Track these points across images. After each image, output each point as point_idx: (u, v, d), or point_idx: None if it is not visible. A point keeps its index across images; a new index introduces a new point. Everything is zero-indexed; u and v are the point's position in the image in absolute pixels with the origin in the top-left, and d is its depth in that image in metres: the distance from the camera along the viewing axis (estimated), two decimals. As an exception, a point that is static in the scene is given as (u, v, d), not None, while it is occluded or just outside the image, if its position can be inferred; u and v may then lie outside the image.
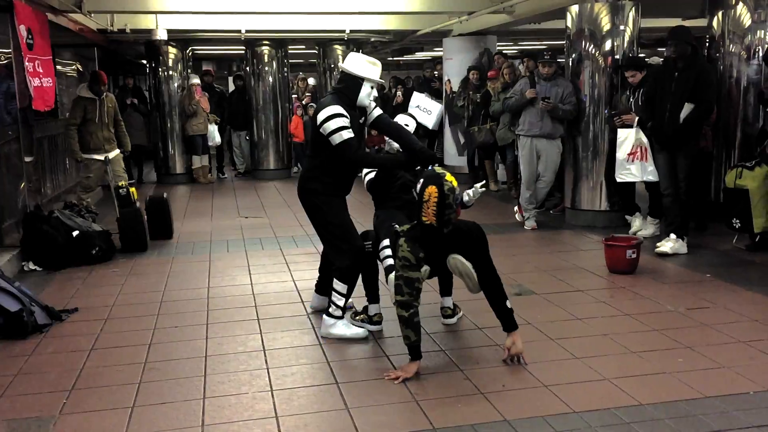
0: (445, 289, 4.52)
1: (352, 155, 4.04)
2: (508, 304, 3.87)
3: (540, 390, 3.49)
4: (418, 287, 3.67)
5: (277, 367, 3.88)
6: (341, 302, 4.19)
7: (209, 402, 3.47)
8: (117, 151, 7.83)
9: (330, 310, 4.21)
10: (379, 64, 4.17)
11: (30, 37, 6.74)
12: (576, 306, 4.80)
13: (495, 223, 7.67)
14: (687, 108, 5.86)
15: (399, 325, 3.70)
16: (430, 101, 10.91)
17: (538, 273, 5.67)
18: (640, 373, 3.66)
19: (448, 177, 3.71)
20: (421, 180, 3.74)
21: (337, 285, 4.19)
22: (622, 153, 6.55)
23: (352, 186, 4.35)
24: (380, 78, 4.17)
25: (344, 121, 3.97)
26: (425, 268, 3.72)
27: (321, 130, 4.02)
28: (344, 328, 4.22)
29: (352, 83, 4.08)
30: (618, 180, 6.69)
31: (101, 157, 7.65)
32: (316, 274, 4.86)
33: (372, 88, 4.11)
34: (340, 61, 12.39)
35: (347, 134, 3.98)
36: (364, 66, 4.09)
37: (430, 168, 3.89)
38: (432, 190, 3.62)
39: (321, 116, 4.02)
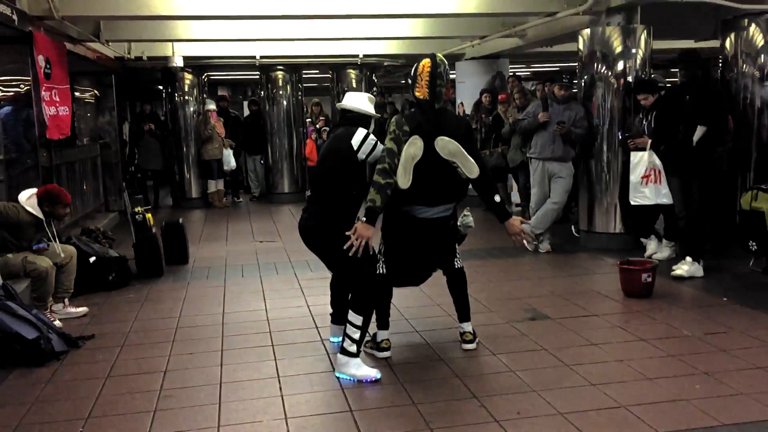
0: (463, 315, 4.51)
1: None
2: (497, 198, 4.23)
3: (556, 418, 3.46)
4: (397, 162, 3.96)
5: (292, 394, 3.88)
6: (357, 335, 4.03)
7: (224, 430, 3.47)
8: None
9: (345, 345, 4.05)
10: (372, 98, 4.48)
11: (48, 66, 6.88)
12: (591, 331, 4.77)
13: (509, 246, 7.66)
14: (700, 131, 5.85)
15: (371, 189, 3.96)
16: None
17: (553, 297, 5.65)
18: (657, 400, 3.63)
19: (440, 54, 4.15)
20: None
21: (353, 317, 4.04)
22: (635, 176, 6.54)
23: None
24: None
25: (375, 138, 4.19)
26: (417, 140, 3.97)
27: (360, 153, 4.11)
28: (355, 368, 4.04)
29: (363, 121, 4.29)
30: (632, 203, 6.66)
31: None
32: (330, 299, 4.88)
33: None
34: (353, 84, 12.79)
35: (382, 146, 4.14)
36: (370, 105, 4.37)
37: None
38: (425, 62, 4.09)
39: (356, 141, 4.10)
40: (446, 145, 4.01)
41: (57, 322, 5.24)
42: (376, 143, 4.15)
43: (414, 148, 3.98)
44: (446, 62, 4.15)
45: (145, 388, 4.05)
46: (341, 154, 4.13)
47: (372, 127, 4.35)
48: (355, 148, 4.11)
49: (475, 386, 3.89)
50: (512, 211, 9.86)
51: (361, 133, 4.14)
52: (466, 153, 4.04)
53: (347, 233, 3.96)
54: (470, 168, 4.05)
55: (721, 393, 3.69)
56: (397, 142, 3.99)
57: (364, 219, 3.94)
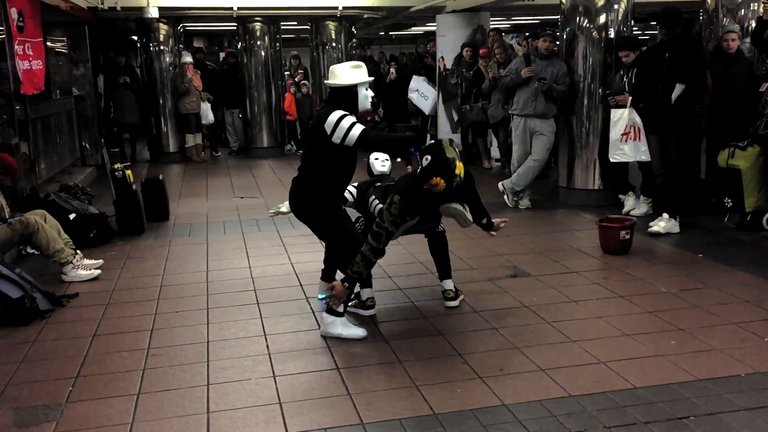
0: (444, 273, 4.58)
1: (373, 139, 4.04)
2: (484, 221, 4.42)
3: (537, 374, 3.57)
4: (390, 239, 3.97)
5: (279, 352, 3.95)
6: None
7: (213, 388, 3.53)
8: None
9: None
10: (362, 65, 4.16)
11: (21, 19, 6.70)
12: (570, 288, 4.88)
13: (489, 203, 7.68)
14: (678, 89, 5.89)
15: (358, 261, 3.90)
16: (428, 86, 10.90)
17: (533, 254, 5.74)
18: (634, 355, 3.74)
19: (459, 167, 3.78)
20: (429, 157, 3.79)
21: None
22: (615, 133, 6.60)
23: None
24: (367, 75, 4.14)
25: (351, 118, 3.96)
26: (415, 220, 4.06)
27: (334, 138, 3.92)
28: (342, 327, 4.10)
29: (347, 95, 4.05)
30: (612, 160, 6.74)
31: None
32: (314, 257, 4.92)
33: (367, 89, 4.10)
34: (332, 35, 12.61)
35: (359, 126, 3.94)
36: (351, 74, 4.05)
37: (440, 143, 3.89)
38: (439, 181, 3.76)
39: (328, 126, 3.91)
40: (449, 210, 4.10)
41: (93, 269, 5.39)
42: (351, 126, 3.90)
43: (410, 224, 4.07)
44: (461, 179, 3.83)
45: (133, 347, 4.09)
46: (319, 136, 3.99)
47: (363, 94, 4.07)
48: (328, 132, 3.93)
49: (459, 343, 3.98)
50: (492, 166, 9.97)
51: (335, 116, 3.91)
52: (466, 213, 4.13)
53: (325, 288, 4.08)
54: (465, 222, 4.17)
55: (695, 348, 3.81)
56: (396, 226, 3.94)
57: (347, 285, 3.96)
